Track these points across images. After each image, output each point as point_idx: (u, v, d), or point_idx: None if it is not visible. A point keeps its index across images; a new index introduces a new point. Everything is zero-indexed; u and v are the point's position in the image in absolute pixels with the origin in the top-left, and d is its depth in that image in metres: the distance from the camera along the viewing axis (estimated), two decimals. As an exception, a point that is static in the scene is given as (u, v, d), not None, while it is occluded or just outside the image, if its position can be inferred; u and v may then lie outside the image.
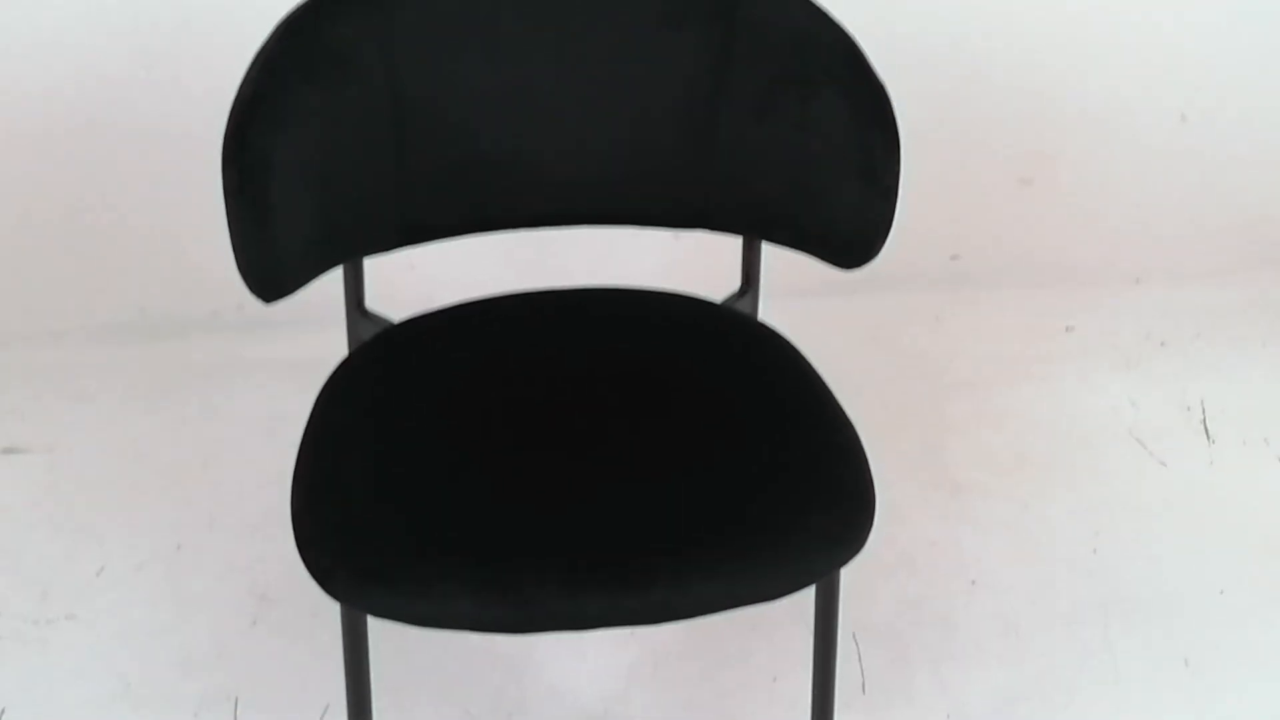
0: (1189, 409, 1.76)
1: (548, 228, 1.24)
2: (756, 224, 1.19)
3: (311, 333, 1.81)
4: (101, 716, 1.33)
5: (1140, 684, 1.38)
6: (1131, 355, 1.86)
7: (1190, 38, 1.82)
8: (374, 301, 1.26)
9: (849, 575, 1.47)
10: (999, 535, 1.57)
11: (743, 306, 1.27)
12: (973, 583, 1.51)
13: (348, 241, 1.15)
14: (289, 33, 1.04)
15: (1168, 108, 1.86)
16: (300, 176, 1.04)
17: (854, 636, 1.43)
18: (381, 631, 1.07)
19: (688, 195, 1.20)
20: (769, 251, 1.26)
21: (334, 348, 1.83)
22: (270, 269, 1.02)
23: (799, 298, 1.59)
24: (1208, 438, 1.72)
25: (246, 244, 1.00)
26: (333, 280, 1.80)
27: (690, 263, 1.58)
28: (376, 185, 1.14)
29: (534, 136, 1.19)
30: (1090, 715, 1.35)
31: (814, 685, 1.14)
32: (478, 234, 1.23)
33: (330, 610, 1.43)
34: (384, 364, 1.15)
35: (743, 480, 1.02)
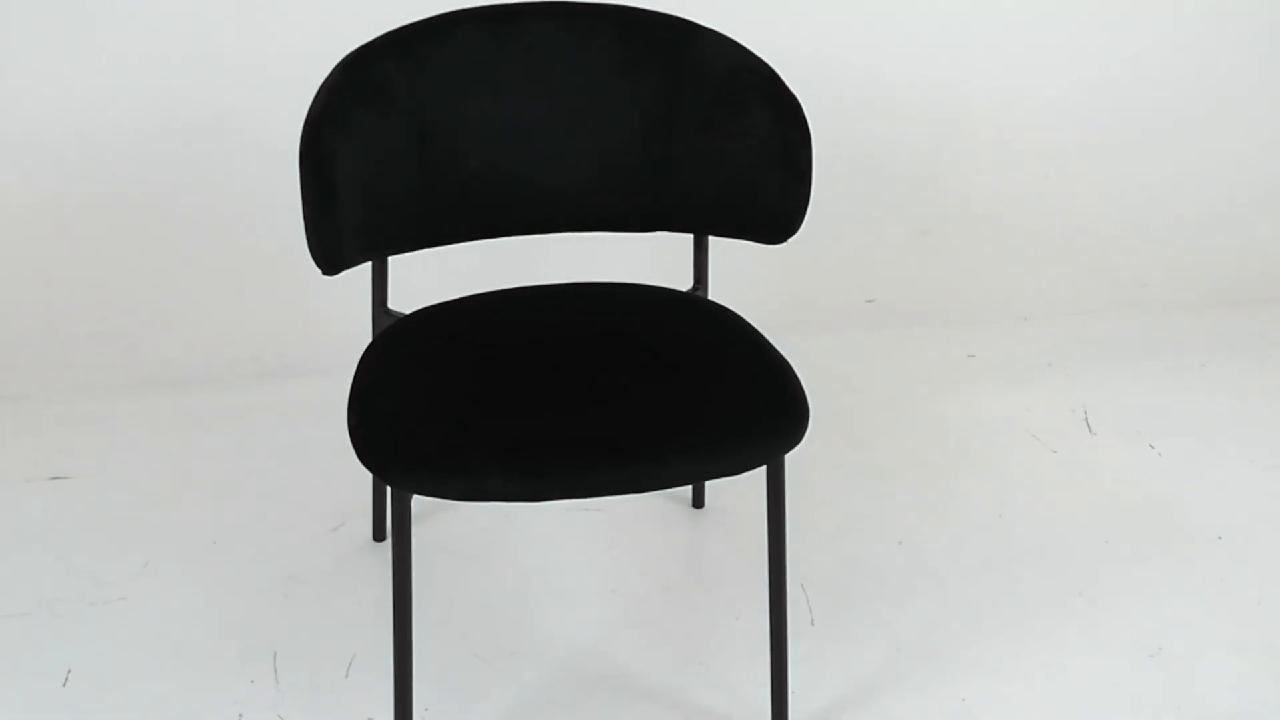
0: (1074, 412, 2.07)
1: (535, 234, 1.54)
2: (704, 222, 1.50)
3: (313, 383, 2.09)
4: (157, 673, 1.54)
5: (1043, 611, 1.65)
6: (1024, 375, 2.18)
7: (1049, 113, 2.21)
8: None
9: (795, 540, 1.74)
10: (918, 508, 1.84)
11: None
12: (899, 543, 1.78)
13: (381, 240, 1.44)
14: (346, 68, 1.35)
15: (1033, 170, 2.23)
16: (354, 178, 1.34)
17: (802, 587, 1.68)
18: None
19: (648, 202, 1.51)
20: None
21: (334, 393, 2.11)
22: (332, 245, 1.31)
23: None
24: (1090, 431, 2.02)
25: (316, 222, 1.28)
26: (331, 339, 2.09)
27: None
28: (404, 196, 1.44)
29: (524, 160, 1.49)
30: (1002, 634, 1.61)
31: (770, 572, 1.39)
32: (478, 240, 1.53)
33: (354, 584, 1.68)
34: (411, 334, 1.42)
35: (709, 393, 1.30)
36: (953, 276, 2.29)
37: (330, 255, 1.31)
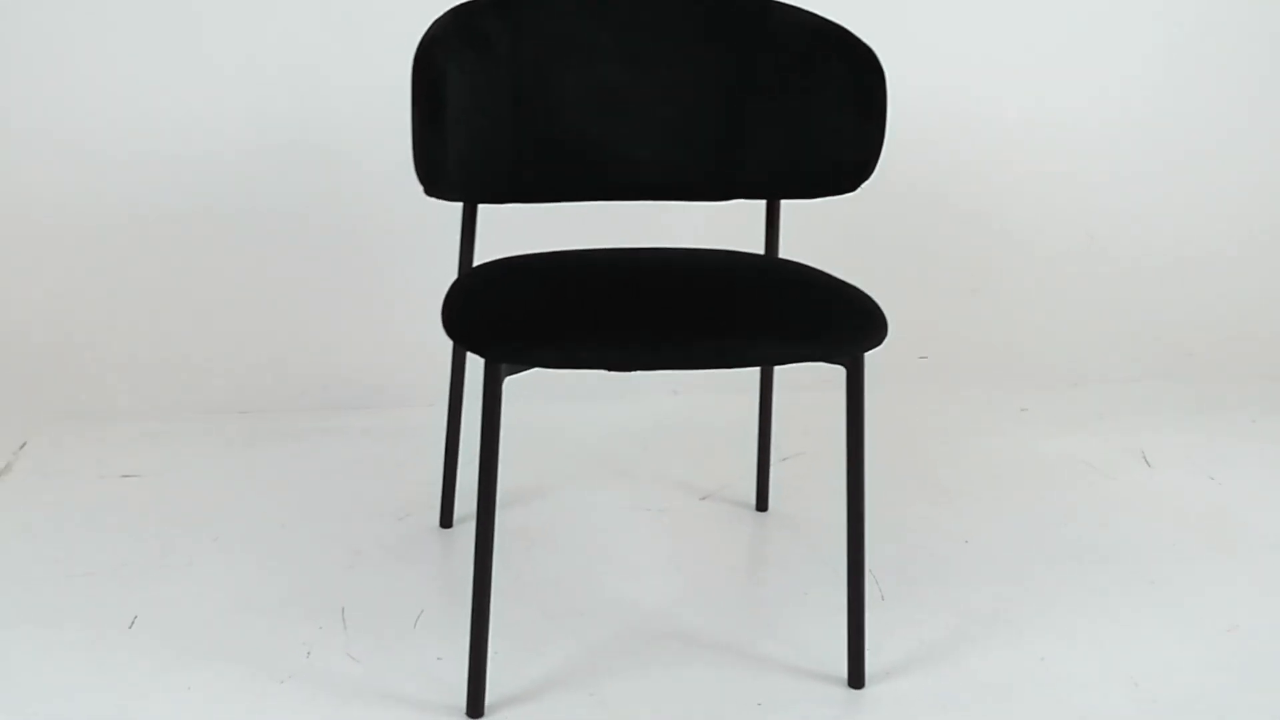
0: (1130, 451, 2.09)
1: (614, 200, 1.63)
2: (778, 184, 1.58)
3: (375, 414, 2.14)
4: (221, 622, 1.53)
5: (1113, 593, 1.63)
6: (1078, 423, 2.20)
7: (1090, 178, 2.32)
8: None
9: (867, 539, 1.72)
10: (982, 516, 1.84)
11: (768, 264, 1.63)
12: (965, 541, 1.77)
13: (475, 187, 1.52)
14: (454, 14, 1.47)
15: (1076, 231, 2.33)
16: (458, 106, 1.43)
17: (870, 571, 1.67)
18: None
19: (723, 170, 1.59)
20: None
21: (395, 425, 2.16)
22: (436, 161, 1.39)
23: (800, 392, 2.03)
24: (1147, 464, 2.03)
25: (424, 136, 1.37)
26: (397, 375, 2.16)
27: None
28: (498, 149, 1.53)
29: (610, 126, 1.59)
30: (1073, 610, 1.59)
31: (849, 486, 1.40)
32: (560, 202, 1.61)
33: (422, 559, 1.68)
34: (500, 269, 1.48)
35: (797, 302, 1.36)
36: (1002, 335, 2.35)
37: (433, 173, 1.39)
